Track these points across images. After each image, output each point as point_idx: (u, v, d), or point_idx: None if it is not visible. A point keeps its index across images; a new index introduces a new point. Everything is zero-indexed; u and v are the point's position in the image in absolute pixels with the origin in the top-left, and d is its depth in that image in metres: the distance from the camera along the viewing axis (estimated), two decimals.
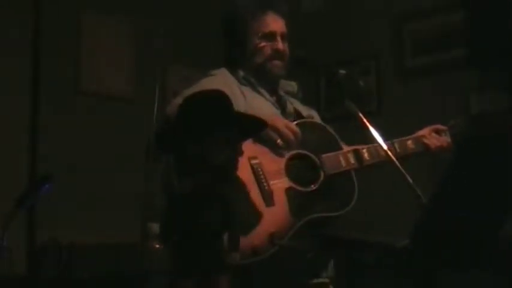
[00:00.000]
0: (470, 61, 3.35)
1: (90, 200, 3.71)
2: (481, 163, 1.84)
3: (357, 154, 2.39)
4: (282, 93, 2.55)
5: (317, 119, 2.58)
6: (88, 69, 3.98)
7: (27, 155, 3.68)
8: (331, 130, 2.44)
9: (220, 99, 1.92)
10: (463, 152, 1.88)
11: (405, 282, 1.98)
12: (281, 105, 2.51)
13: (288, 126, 2.27)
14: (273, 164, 2.26)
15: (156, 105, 1.96)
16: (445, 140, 2.55)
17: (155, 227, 2.61)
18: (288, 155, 2.30)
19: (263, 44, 2.44)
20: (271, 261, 2.13)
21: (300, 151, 2.33)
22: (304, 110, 2.57)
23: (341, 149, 2.40)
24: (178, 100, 2.17)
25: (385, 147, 2.17)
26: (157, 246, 2.61)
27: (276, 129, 2.25)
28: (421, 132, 2.57)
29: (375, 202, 3.80)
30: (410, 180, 2.01)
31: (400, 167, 2.06)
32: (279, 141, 2.25)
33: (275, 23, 2.46)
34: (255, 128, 2.05)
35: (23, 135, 3.69)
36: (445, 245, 1.82)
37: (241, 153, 2.03)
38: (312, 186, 2.28)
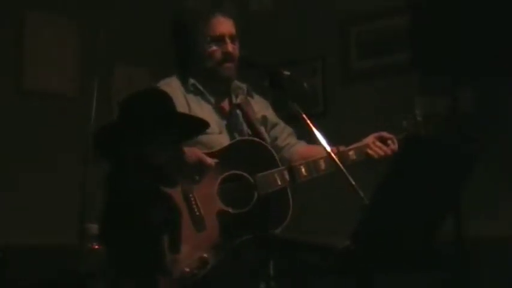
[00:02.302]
0: (413, 65, 3.40)
1: (27, 200, 3.62)
2: (420, 165, 1.86)
3: (294, 171, 2.38)
4: (234, 96, 2.53)
5: (271, 117, 2.59)
6: (31, 68, 3.89)
7: None
8: (269, 147, 2.43)
9: (161, 98, 1.90)
10: (403, 154, 1.90)
11: (347, 282, 1.99)
12: (230, 112, 2.48)
13: (200, 160, 2.22)
14: (205, 188, 2.24)
15: (94, 104, 1.93)
16: (389, 148, 2.53)
17: (93, 228, 2.56)
18: (221, 177, 2.28)
19: (213, 48, 2.42)
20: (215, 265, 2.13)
21: (234, 171, 2.31)
22: (261, 110, 2.56)
23: (278, 166, 2.38)
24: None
25: (328, 149, 2.16)
26: (95, 247, 2.57)
27: (187, 165, 2.20)
28: (365, 141, 2.55)
29: (319, 203, 3.83)
30: (353, 182, 2.02)
31: (344, 168, 2.07)
32: (197, 177, 2.21)
33: (223, 26, 2.44)
34: (195, 128, 2.04)
35: None
36: (384, 245, 1.84)
37: (183, 153, 2.02)
38: (245, 207, 2.27)
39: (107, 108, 2.50)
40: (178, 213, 2.02)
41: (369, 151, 2.51)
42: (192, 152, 2.22)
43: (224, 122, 2.45)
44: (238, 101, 2.51)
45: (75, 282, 2.72)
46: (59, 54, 4.01)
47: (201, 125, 2.02)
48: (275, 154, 2.43)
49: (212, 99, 2.46)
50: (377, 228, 1.84)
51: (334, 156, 2.15)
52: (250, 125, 2.48)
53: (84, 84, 3.91)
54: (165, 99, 1.94)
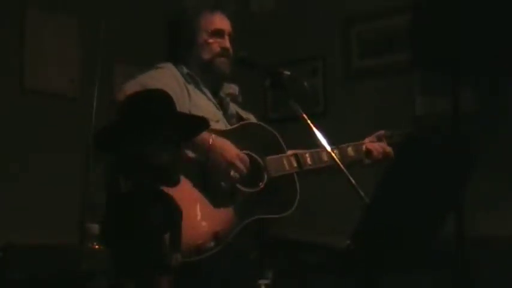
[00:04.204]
0: (414, 65, 3.40)
1: (27, 200, 3.62)
2: (420, 164, 1.86)
3: (300, 158, 2.41)
4: (223, 95, 2.54)
5: (253, 120, 2.58)
6: (31, 68, 3.89)
7: None
8: (275, 133, 2.45)
9: (163, 99, 1.90)
10: (403, 153, 1.90)
11: (347, 282, 1.99)
12: (223, 106, 2.49)
13: (240, 159, 2.25)
14: None
15: (94, 104, 1.94)
16: (386, 147, 2.59)
17: (94, 228, 2.56)
18: None
19: (212, 40, 2.45)
20: (216, 261, 2.12)
21: (245, 152, 2.31)
22: (243, 114, 2.58)
23: (285, 152, 2.40)
24: (128, 86, 2.15)
25: (328, 148, 2.17)
26: (96, 246, 2.57)
27: (231, 163, 2.22)
28: (363, 141, 2.60)
29: (319, 203, 3.83)
30: (353, 181, 2.02)
31: (344, 168, 2.07)
32: (232, 173, 2.23)
33: (223, 22, 2.49)
34: (197, 128, 2.03)
35: None
36: (384, 245, 1.84)
37: (183, 153, 2.01)
38: (258, 186, 2.28)
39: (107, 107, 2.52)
40: (179, 210, 2.00)
41: (369, 146, 2.56)
42: (234, 152, 2.24)
43: (220, 112, 2.46)
44: (227, 96, 2.53)
45: (75, 282, 2.72)
46: (59, 54, 4.01)
47: (202, 124, 2.02)
48: (281, 141, 2.44)
49: (205, 90, 2.47)
50: (377, 228, 1.84)
51: (334, 156, 2.16)
52: (240, 118, 2.50)
53: (84, 84, 3.92)
54: (166, 99, 1.94)
